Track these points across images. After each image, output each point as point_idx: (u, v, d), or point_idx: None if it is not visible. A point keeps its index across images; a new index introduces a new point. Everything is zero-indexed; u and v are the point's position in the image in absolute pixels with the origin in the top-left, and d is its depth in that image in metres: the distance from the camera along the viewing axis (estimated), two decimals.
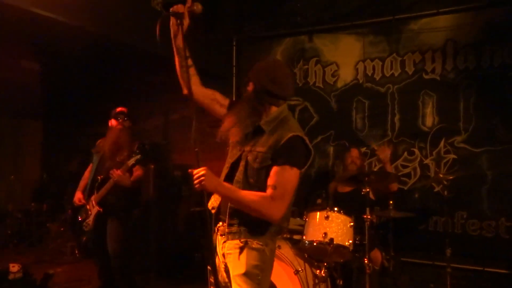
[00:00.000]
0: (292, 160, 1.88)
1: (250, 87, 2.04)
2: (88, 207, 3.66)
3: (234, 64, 5.54)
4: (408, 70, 4.58)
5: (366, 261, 3.12)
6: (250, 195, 1.87)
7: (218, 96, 2.19)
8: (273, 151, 1.90)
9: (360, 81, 4.81)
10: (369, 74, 4.76)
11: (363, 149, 4.64)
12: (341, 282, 3.18)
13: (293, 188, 1.89)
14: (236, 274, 1.95)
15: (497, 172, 4.12)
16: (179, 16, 1.97)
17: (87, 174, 3.91)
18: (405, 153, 4.54)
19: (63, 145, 6.82)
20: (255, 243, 1.94)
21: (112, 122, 3.77)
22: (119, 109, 3.79)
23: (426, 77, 4.49)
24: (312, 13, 5.07)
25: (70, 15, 3.62)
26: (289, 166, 1.86)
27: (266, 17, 5.39)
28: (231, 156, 2.09)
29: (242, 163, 2.00)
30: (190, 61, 2.05)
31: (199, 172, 1.81)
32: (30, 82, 6.33)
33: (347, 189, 3.96)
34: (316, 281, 3.06)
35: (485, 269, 4.07)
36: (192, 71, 2.07)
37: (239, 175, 2.00)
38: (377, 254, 3.53)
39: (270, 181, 1.87)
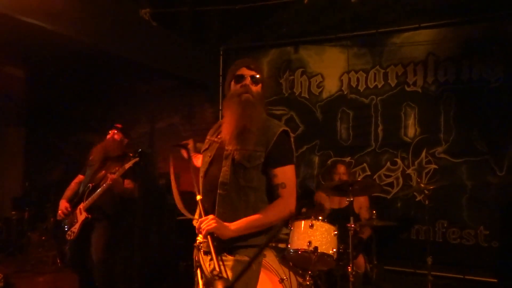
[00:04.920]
0: (290, 159, 2.01)
1: (259, 88, 2.06)
2: (76, 213, 3.63)
3: (220, 74, 5.59)
4: (391, 82, 4.70)
5: (349, 269, 3.16)
6: (265, 213, 1.91)
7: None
8: (266, 150, 1.94)
9: (345, 92, 4.91)
10: (354, 86, 4.87)
11: (348, 159, 4.73)
12: None
13: (295, 181, 2.02)
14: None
15: (476, 182, 4.24)
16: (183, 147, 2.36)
17: (73, 185, 3.88)
18: (388, 163, 4.64)
19: (46, 153, 6.72)
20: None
21: (109, 134, 3.82)
22: (116, 136, 3.84)
23: (408, 89, 4.61)
24: (298, 25, 5.17)
25: (56, 22, 3.60)
26: (289, 165, 1.98)
27: (253, 28, 5.47)
28: (203, 164, 2.09)
29: (226, 163, 1.96)
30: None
31: (208, 222, 1.81)
32: (14, 89, 6.25)
33: (335, 204, 4.02)
34: None
35: (465, 276, 4.16)
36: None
37: (224, 176, 1.94)
38: (361, 259, 3.59)
39: (277, 180, 1.94)
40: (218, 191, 1.94)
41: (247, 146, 1.94)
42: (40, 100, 6.57)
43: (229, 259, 1.88)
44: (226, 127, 2.00)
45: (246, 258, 1.87)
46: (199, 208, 1.94)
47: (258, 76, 2.05)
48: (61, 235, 3.70)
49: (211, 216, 1.84)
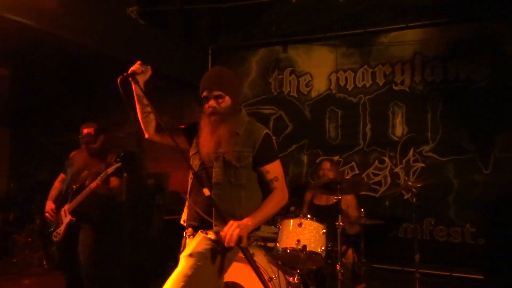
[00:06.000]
0: (276, 155, 2.23)
1: (226, 102, 2.15)
2: (61, 215, 3.58)
3: None
4: (378, 81, 4.73)
5: (338, 267, 3.17)
6: (270, 204, 2.11)
7: (174, 131, 2.30)
8: (254, 150, 2.13)
9: (333, 92, 4.93)
10: (342, 85, 4.89)
11: (336, 158, 4.75)
12: None
13: (283, 172, 2.22)
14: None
15: (463, 180, 4.30)
16: (132, 77, 2.16)
17: (57, 184, 3.82)
18: (376, 162, 4.67)
19: (32, 154, 6.62)
20: None
21: (82, 130, 3.74)
22: (86, 130, 3.68)
23: (395, 88, 4.65)
24: (287, 25, 5.18)
25: (41, 20, 3.55)
26: (276, 160, 2.20)
27: (242, 27, 5.46)
28: (194, 166, 2.17)
29: (217, 165, 2.11)
30: (149, 109, 2.24)
31: (231, 228, 1.91)
32: None
33: (323, 201, 4.03)
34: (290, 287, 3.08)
35: (452, 274, 4.21)
36: (152, 117, 2.26)
37: (217, 176, 2.10)
38: (349, 253, 3.61)
39: (270, 176, 2.15)
40: (213, 191, 2.06)
41: (235, 148, 2.11)
42: (26, 99, 6.47)
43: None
44: (204, 142, 2.14)
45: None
46: (198, 209, 2.07)
47: (221, 93, 2.13)
48: (47, 236, 3.64)
49: (233, 224, 1.93)
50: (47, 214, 3.62)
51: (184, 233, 2.21)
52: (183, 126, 2.36)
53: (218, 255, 2.01)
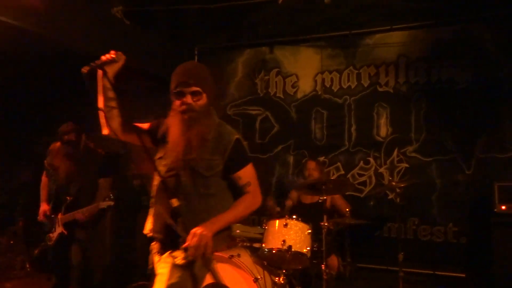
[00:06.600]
0: (248, 159, 2.08)
1: (203, 100, 1.97)
2: (55, 220, 3.62)
3: None
4: (363, 83, 4.78)
5: (323, 267, 3.20)
6: (239, 207, 2.01)
7: (139, 129, 2.10)
8: (224, 157, 1.99)
9: (319, 93, 4.97)
10: (327, 86, 4.93)
11: (322, 158, 4.78)
12: None
13: (256, 175, 2.10)
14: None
15: (445, 180, 4.37)
16: (101, 68, 1.92)
17: (44, 184, 3.82)
18: (361, 162, 4.72)
19: (15, 155, 6.51)
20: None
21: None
22: (66, 137, 3.63)
23: (380, 89, 4.71)
24: (273, 26, 5.19)
25: (24, 19, 3.51)
26: (248, 165, 2.06)
27: (228, 28, 5.45)
28: (160, 171, 1.98)
29: (185, 174, 1.95)
30: (114, 103, 1.99)
31: (194, 238, 1.80)
32: None
33: (308, 199, 4.06)
34: None
35: (436, 272, 4.27)
36: (117, 112, 2.00)
37: (185, 186, 1.95)
38: (333, 260, 3.63)
39: (242, 182, 2.03)
40: (181, 202, 1.87)
41: (204, 155, 1.96)
42: (7, 99, 6.35)
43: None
44: (173, 144, 1.97)
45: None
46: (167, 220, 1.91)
47: (199, 89, 1.95)
48: (31, 239, 3.67)
49: (195, 233, 1.81)
50: (40, 217, 3.67)
51: (151, 247, 2.07)
52: (147, 125, 2.15)
53: (192, 278, 1.92)
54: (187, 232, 1.83)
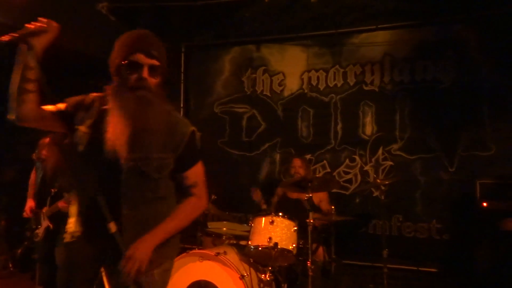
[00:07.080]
0: (199, 157, 1.79)
1: (157, 79, 1.61)
2: (40, 216, 3.58)
3: (182, 71, 5.53)
4: (349, 81, 4.83)
5: (309, 264, 3.22)
6: (181, 214, 1.73)
7: (57, 111, 1.73)
8: (176, 154, 1.69)
9: (305, 91, 4.99)
10: (314, 84, 4.96)
11: (308, 156, 4.81)
12: (285, 286, 3.26)
13: (204, 174, 1.81)
14: None
15: (429, 178, 4.44)
16: (25, 41, 1.58)
17: (33, 181, 3.79)
18: (347, 160, 4.76)
19: None
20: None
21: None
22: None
23: (366, 88, 4.75)
24: (260, 24, 5.19)
25: (6, 15, 3.46)
26: (198, 163, 1.78)
27: (215, 25, 5.43)
28: (72, 162, 1.74)
29: (129, 176, 1.61)
30: (33, 86, 1.61)
31: (128, 264, 1.55)
32: None
33: (294, 195, 4.08)
34: (262, 285, 3.11)
35: (419, 268, 4.34)
36: (32, 97, 1.62)
37: (127, 192, 1.62)
38: (320, 250, 3.67)
39: (188, 182, 1.75)
40: (123, 211, 1.60)
41: (152, 154, 1.63)
42: None
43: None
44: (115, 128, 1.57)
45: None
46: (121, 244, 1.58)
47: (158, 64, 1.60)
48: (14, 239, 3.62)
49: (129, 256, 1.56)
50: (27, 213, 3.65)
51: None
52: (65, 105, 1.75)
53: None
54: (127, 248, 1.57)
